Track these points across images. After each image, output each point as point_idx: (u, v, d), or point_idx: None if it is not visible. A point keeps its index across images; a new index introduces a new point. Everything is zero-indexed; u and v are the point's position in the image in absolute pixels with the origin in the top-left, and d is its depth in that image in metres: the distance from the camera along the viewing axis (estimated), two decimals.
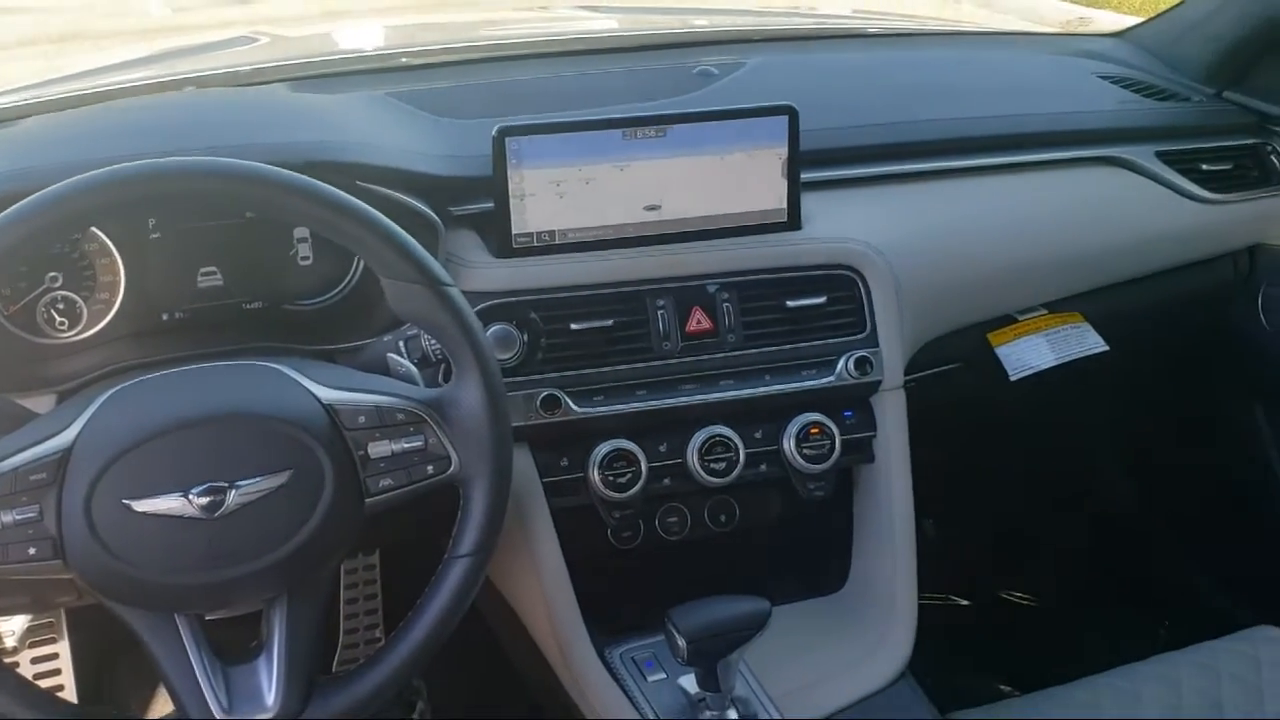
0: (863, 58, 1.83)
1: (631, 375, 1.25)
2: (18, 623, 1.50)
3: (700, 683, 1.14)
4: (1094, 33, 2.07)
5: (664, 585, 1.24)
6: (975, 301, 1.49)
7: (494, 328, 1.20)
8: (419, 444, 1.01)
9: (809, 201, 1.33)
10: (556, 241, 1.25)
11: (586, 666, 1.23)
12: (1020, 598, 2.13)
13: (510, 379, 1.18)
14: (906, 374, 1.35)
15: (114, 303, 1.18)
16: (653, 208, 1.27)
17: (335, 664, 1.70)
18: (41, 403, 1.12)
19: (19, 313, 1.16)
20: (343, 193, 0.99)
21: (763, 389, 1.28)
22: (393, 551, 1.66)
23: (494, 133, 1.20)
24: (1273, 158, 1.66)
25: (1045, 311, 1.55)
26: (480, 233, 1.26)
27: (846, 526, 1.38)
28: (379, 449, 1.00)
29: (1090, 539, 2.12)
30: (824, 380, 1.29)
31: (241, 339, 1.17)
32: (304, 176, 0.98)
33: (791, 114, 1.27)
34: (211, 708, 0.97)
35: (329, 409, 0.99)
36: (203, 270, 1.20)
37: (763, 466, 1.29)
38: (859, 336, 1.31)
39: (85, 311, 1.17)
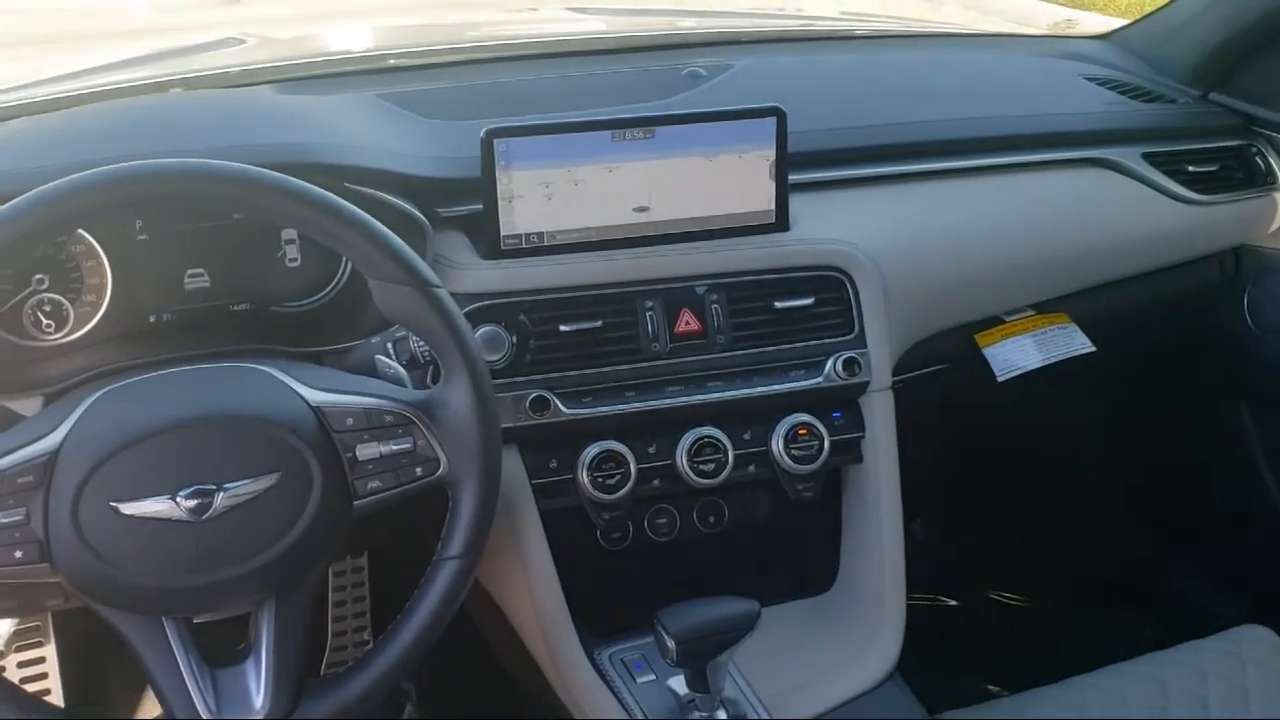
0: (851, 59, 1.83)
1: (620, 377, 1.25)
2: (4, 626, 1.49)
3: (689, 684, 1.14)
4: (1080, 34, 2.08)
5: (653, 586, 1.24)
6: (963, 302, 1.49)
7: (483, 329, 1.20)
8: (407, 446, 1.01)
9: (797, 203, 1.33)
10: (545, 243, 1.25)
11: (575, 668, 1.23)
12: (1008, 598, 2.14)
13: (499, 380, 1.17)
14: (894, 375, 1.36)
15: (101, 305, 1.17)
16: (641, 209, 1.27)
17: (323, 666, 1.70)
18: (28, 405, 1.12)
19: (5, 315, 1.15)
20: (331, 194, 0.99)
21: (751, 390, 1.28)
22: (381, 553, 1.66)
23: (482, 134, 1.20)
24: (1258, 159, 1.67)
25: (1032, 312, 1.55)
26: (469, 234, 1.26)
27: (835, 527, 1.39)
28: (367, 451, 1.00)
29: (1077, 539, 2.13)
30: (812, 381, 1.29)
31: (229, 341, 1.16)
32: (292, 178, 0.98)
33: (779, 116, 1.27)
34: (199, 710, 0.96)
35: (317, 411, 0.99)
36: (190, 272, 1.20)
37: (751, 467, 1.29)
38: (847, 338, 1.32)
39: (72, 314, 1.17)
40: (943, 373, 1.53)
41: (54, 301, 1.16)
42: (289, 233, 1.22)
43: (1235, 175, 1.65)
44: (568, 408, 1.22)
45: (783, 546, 1.45)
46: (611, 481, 1.23)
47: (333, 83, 1.51)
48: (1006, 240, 1.50)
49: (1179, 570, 2.02)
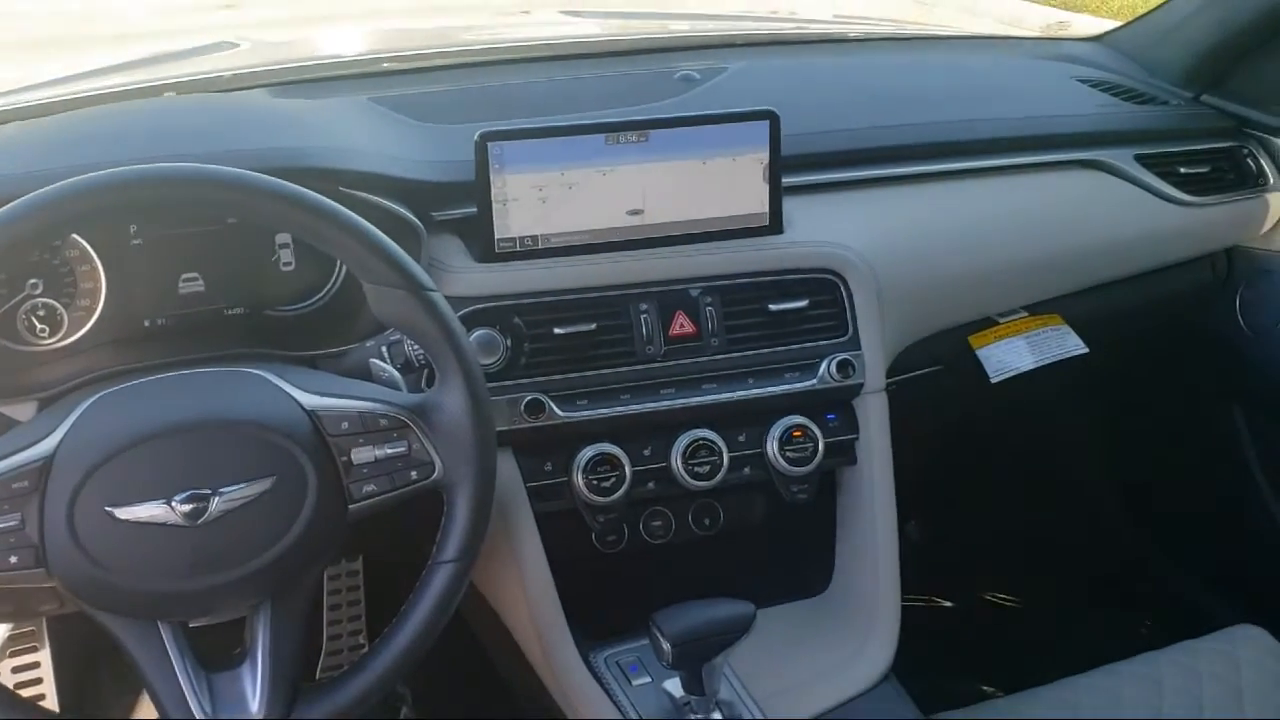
0: (844, 62, 1.83)
1: (615, 379, 1.25)
2: None
3: (685, 686, 1.14)
4: (1073, 37, 2.08)
5: (648, 589, 1.24)
6: (956, 304, 1.50)
7: (477, 332, 1.20)
8: (402, 449, 1.01)
9: (790, 205, 1.33)
10: (539, 246, 1.25)
11: (571, 671, 1.23)
12: (1003, 598, 2.14)
13: (494, 384, 1.18)
14: (888, 377, 1.36)
15: (95, 310, 1.17)
16: (635, 212, 1.27)
17: (319, 670, 1.70)
18: (22, 410, 1.12)
19: None
20: (325, 198, 0.99)
21: (745, 392, 1.28)
22: (376, 557, 1.66)
23: (476, 137, 1.20)
24: (1249, 160, 1.67)
25: (1025, 314, 1.56)
26: (463, 238, 1.26)
27: (830, 529, 1.39)
28: (362, 455, 1.00)
29: (1072, 539, 2.13)
30: (806, 383, 1.30)
31: (223, 345, 1.16)
32: (286, 182, 0.98)
33: (773, 119, 1.28)
34: (195, 714, 0.96)
35: (312, 415, 0.99)
36: (184, 276, 1.19)
37: (746, 469, 1.30)
38: (841, 340, 1.32)
39: (66, 319, 1.17)
40: (936, 374, 1.53)
41: (48, 306, 1.16)
42: (283, 237, 1.22)
43: (1227, 177, 1.66)
44: (562, 410, 1.22)
45: (778, 548, 1.45)
46: (606, 484, 1.23)
47: (326, 86, 1.51)
48: (1000, 242, 1.50)
49: (1173, 570, 2.03)
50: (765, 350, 1.30)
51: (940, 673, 1.54)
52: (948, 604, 2.12)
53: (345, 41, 2.01)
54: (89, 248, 1.16)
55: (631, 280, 1.27)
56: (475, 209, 1.23)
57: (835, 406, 1.32)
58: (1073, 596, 2.10)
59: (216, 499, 0.94)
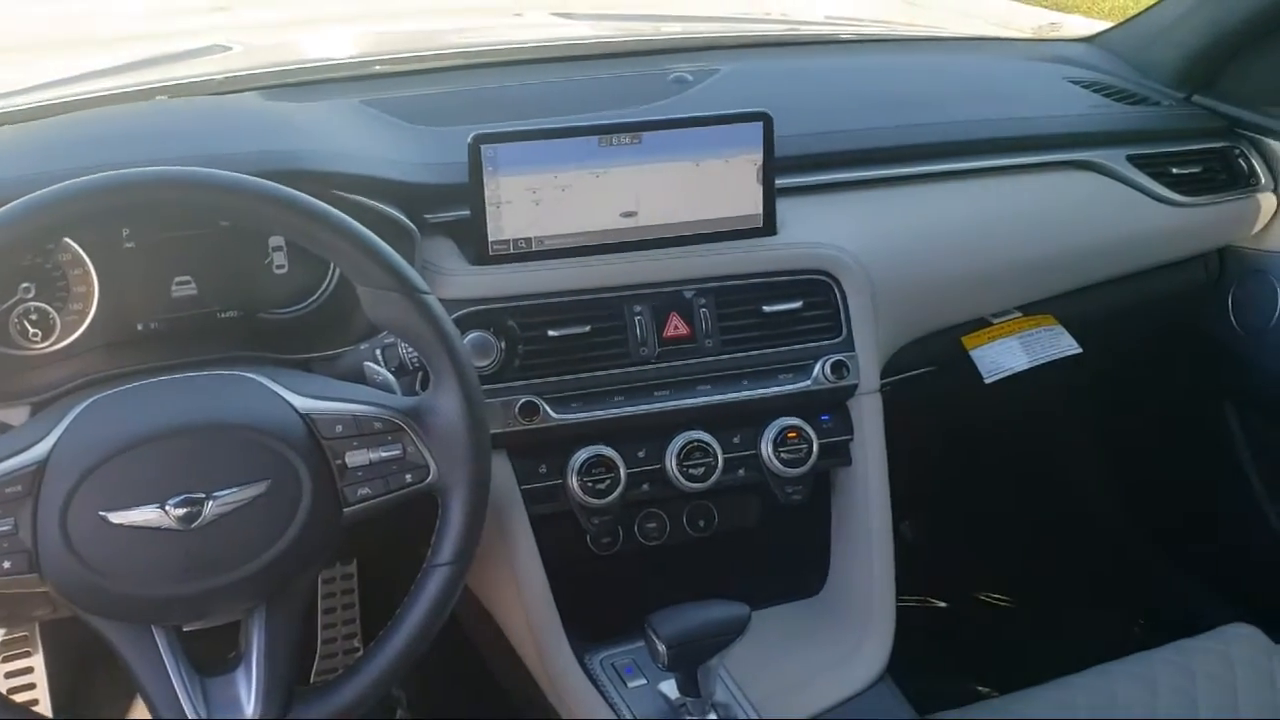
0: (836, 64, 1.84)
1: (609, 381, 1.25)
2: None
3: (680, 688, 1.14)
4: (1065, 38, 2.08)
5: (643, 591, 1.24)
6: (950, 305, 1.50)
7: (471, 335, 1.20)
8: (396, 453, 1.01)
9: (784, 207, 1.34)
10: (533, 248, 1.25)
11: (566, 673, 1.23)
12: (997, 599, 2.15)
13: (488, 386, 1.17)
14: (882, 378, 1.36)
15: (88, 313, 1.17)
16: (629, 214, 1.27)
17: (313, 674, 1.70)
18: (15, 415, 1.11)
19: None
20: (318, 201, 0.98)
21: (740, 394, 1.28)
22: (371, 560, 1.66)
23: (469, 140, 1.20)
24: (1241, 161, 1.68)
25: (1019, 314, 1.56)
26: (456, 240, 1.26)
27: (824, 530, 1.39)
28: (356, 458, 1.00)
29: (1065, 539, 2.14)
30: (801, 384, 1.30)
31: (217, 348, 1.16)
32: (279, 185, 0.98)
33: (766, 120, 1.28)
34: (189, 717, 0.96)
35: (306, 418, 0.99)
36: (177, 280, 1.19)
37: (741, 471, 1.30)
38: (835, 341, 1.32)
39: (59, 323, 1.16)
40: (930, 375, 1.53)
41: (40, 310, 1.16)
42: (276, 240, 1.22)
43: (1219, 177, 1.66)
44: (557, 413, 1.22)
45: (772, 549, 1.45)
46: (601, 486, 1.23)
47: (318, 89, 1.51)
48: (993, 243, 1.51)
49: (1167, 570, 2.03)
50: (759, 352, 1.30)
51: (935, 673, 1.54)
52: (942, 604, 2.12)
53: (337, 44, 2.00)
54: (81, 251, 1.16)
55: (625, 282, 1.27)
56: (469, 211, 1.23)
57: (830, 407, 1.32)
58: (1067, 596, 2.10)
59: (210, 503, 0.94)
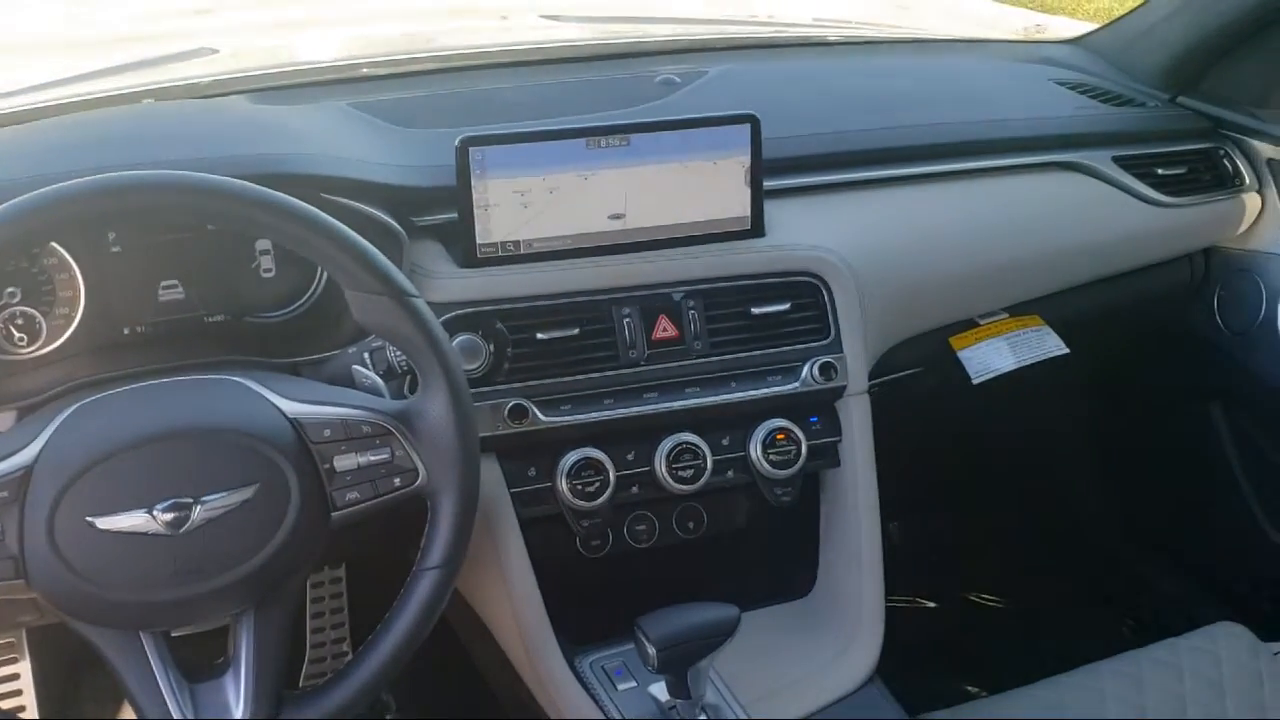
0: (824, 65, 1.84)
1: (598, 384, 1.25)
2: None
3: (670, 690, 1.14)
4: (1051, 39, 2.09)
5: (633, 593, 1.24)
6: (937, 306, 1.50)
7: (460, 338, 1.20)
8: (385, 456, 1.00)
9: (772, 209, 1.34)
10: (521, 251, 1.25)
11: (556, 676, 1.23)
12: (986, 599, 2.15)
13: (477, 389, 1.17)
14: (870, 379, 1.36)
15: (74, 318, 1.16)
16: (617, 216, 1.27)
17: (302, 679, 1.69)
18: (1, 420, 1.11)
19: None
20: (306, 204, 0.98)
21: (729, 396, 1.28)
22: (360, 564, 1.65)
23: (457, 143, 1.20)
24: (1225, 161, 1.69)
25: (1006, 315, 1.57)
26: (445, 243, 1.26)
27: (813, 531, 1.39)
28: (345, 462, 0.99)
29: (1054, 539, 2.14)
30: (789, 386, 1.30)
31: (204, 352, 1.16)
32: (266, 189, 0.97)
33: (754, 122, 1.28)
34: None
35: (294, 422, 0.99)
36: (164, 284, 1.19)
37: (730, 473, 1.30)
38: (823, 342, 1.32)
39: (45, 327, 1.16)
40: (918, 376, 1.54)
41: (26, 315, 1.15)
42: (264, 243, 1.22)
43: (1204, 178, 1.67)
44: (546, 416, 1.22)
45: (762, 551, 1.45)
46: (590, 489, 1.23)
47: (305, 92, 1.51)
48: (980, 244, 1.51)
49: (1155, 569, 2.04)
50: (748, 354, 1.30)
51: (925, 673, 1.55)
52: (931, 605, 2.12)
53: (324, 47, 2.00)
54: (67, 255, 1.15)
55: (614, 284, 1.27)
56: (457, 214, 1.23)
57: (818, 409, 1.32)
58: (1055, 596, 2.11)
59: (198, 508, 0.94)
